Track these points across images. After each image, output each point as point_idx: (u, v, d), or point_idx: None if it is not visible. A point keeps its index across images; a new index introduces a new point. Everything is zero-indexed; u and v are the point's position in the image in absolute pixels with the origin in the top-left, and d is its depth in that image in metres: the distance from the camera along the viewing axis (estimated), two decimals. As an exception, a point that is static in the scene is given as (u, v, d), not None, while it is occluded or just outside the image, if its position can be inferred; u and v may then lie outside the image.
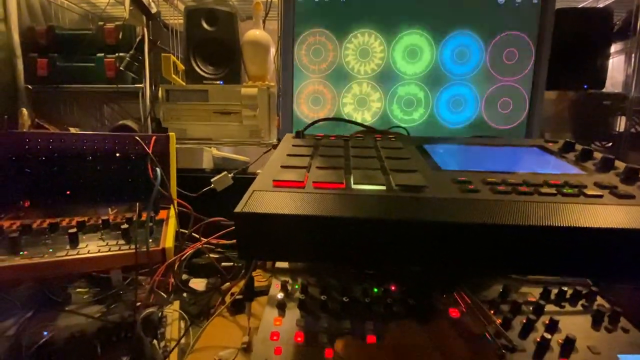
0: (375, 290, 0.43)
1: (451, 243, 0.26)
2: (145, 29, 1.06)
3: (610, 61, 1.21)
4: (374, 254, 0.26)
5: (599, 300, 0.43)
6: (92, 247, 0.53)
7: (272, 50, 1.14)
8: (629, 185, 0.31)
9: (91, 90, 1.16)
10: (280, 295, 0.40)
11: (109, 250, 0.53)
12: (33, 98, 1.19)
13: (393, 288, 0.43)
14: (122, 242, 0.56)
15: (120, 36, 1.14)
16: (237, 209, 0.26)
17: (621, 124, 1.11)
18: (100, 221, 0.61)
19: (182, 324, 0.58)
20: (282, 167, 0.34)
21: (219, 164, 1.04)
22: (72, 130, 1.19)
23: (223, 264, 0.69)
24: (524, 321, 0.38)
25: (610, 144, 1.10)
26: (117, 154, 0.69)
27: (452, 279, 0.42)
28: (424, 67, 0.58)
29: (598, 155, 0.39)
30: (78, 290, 0.66)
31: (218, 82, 1.09)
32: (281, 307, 0.40)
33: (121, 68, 1.09)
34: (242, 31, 1.15)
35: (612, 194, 0.29)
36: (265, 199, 0.28)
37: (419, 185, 0.30)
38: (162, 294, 0.62)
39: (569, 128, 1.09)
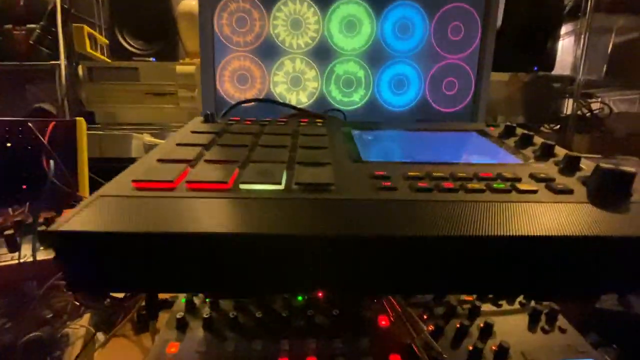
0: (300, 298, 0.37)
1: (356, 260, 0.20)
2: (56, -5, 0.90)
3: (560, 43, 1.21)
4: (255, 279, 0.20)
5: (538, 296, 0.40)
6: (-40, 261, 0.43)
7: (212, 24, 1.02)
8: (569, 177, 0.27)
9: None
10: (179, 315, 0.33)
11: (-16, 264, 0.43)
12: None
13: (320, 294, 0.38)
14: (3, 251, 0.46)
15: (24, 3, 0.97)
16: (53, 227, 0.18)
17: (568, 106, 1.12)
18: (-21, 227, 0.50)
19: (97, 338, 0.50)
20: (158, 160, 0.27)
21: (153, 152, 0.93)
22: (-24, 114, 1.02)
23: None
24: (458, 326, 0.34)
25: (557, 126, 1.11)
26: (8, 144, 0.58)
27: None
28: (363, 41, 0.52)
29: (539, 140, 0.35)
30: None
31: (150, 58, 0.97)
32: (181, 327, 0.33)
33: (30, 42, 0.93)
34: (178, 0, 1.02)
35: (547, 188, 0.25)
36: (107, 209, 0.20)
37: (323, 183, 0.24)
38: (76, 302, 0.53)
39: (521, 110, 1.08)
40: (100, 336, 0.48)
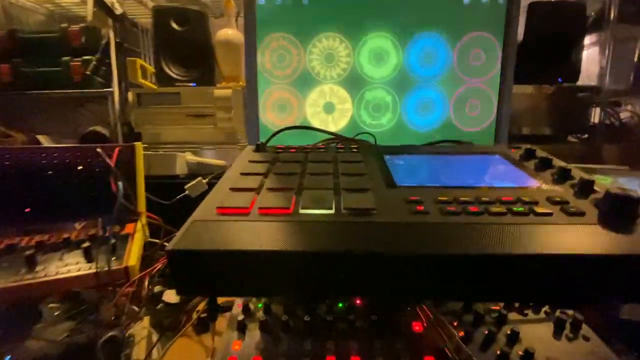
0: (340, 305, 0.42)
1: (397, 273, 0.25)
2: (110, 31, 1.02)
3: (585, 53, 1.21)
4: (317, 286, 0.25)
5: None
6: (50, 270, 0.51)
7: (246, 50, 1.11)
8: (582, 199, 0.31)
9: (57, 95, 1.11)
10: (240, 317, 0.39)
11: (68, 272, 0.51)
12: (-3, 105, 1.14)
13: (358, 302, 0.42)
14: (82, 261, 0.54)
15: (84, 39, 1.09)
16: (170, 246, 0.24)
17: (596, 115, 1.12)
18: (61, 239, 0.59)
19: (155, 340, 0.57)
20: (230, 189, 0.33)
21: (194, 169, 1.02)
22: (40, 137, 1.15)
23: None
24: (486, 332, 0.38)
25: (586, 136, 1.11)
26: (80, 167, 0.67)
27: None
28: (390, 70, 0.57)
29: (557, 163, 0.38)
30: (50, 306, 0.64)
31: (190, 84, 1.06)
32: (241, 328, 0.39)
33: (87, 72, 1.05)
34: (216, 28, 1.11)
35: (562, 211, 0.29)
36: (204, 231, 0.26)
37: (367, 208, 0.29)
38: (135, 308, 0.60)
39: (547, 122, 1.09)
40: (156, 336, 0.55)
